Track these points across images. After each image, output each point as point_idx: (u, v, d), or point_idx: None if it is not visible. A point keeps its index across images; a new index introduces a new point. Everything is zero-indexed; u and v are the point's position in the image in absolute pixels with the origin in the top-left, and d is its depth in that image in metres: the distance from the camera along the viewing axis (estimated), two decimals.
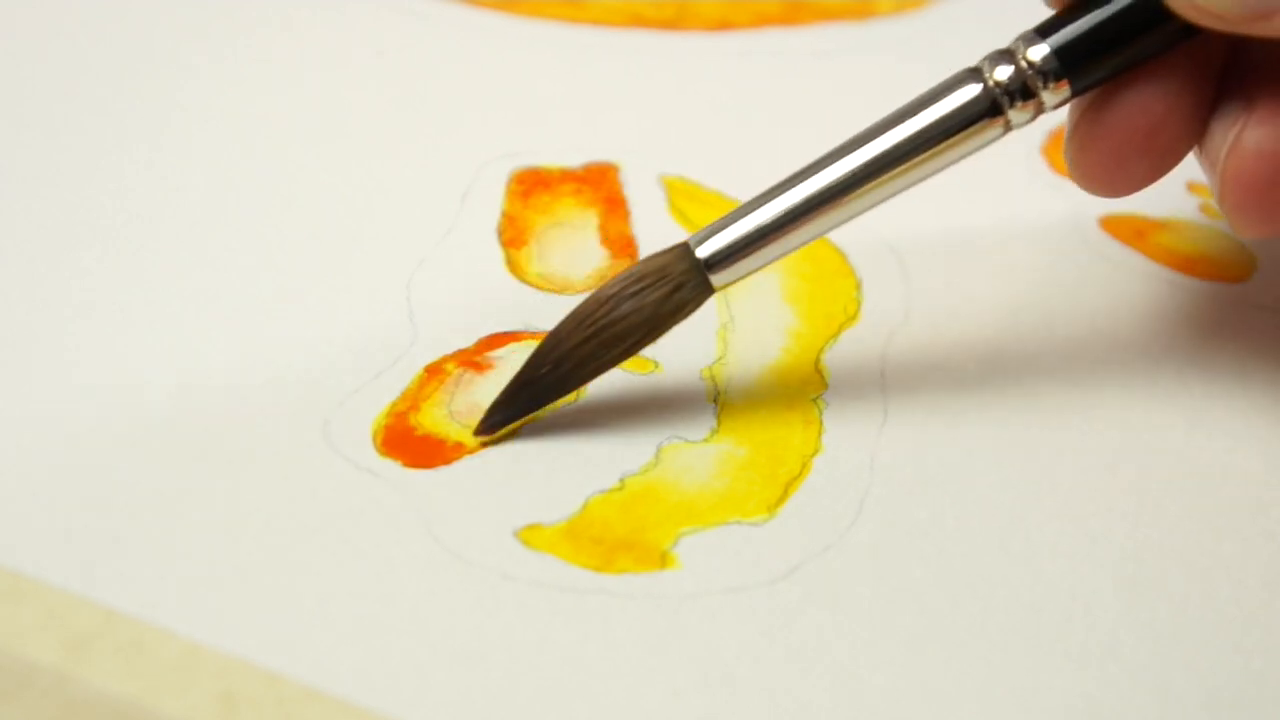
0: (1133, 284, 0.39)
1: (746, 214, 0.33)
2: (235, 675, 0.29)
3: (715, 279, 0.33)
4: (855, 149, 0.32)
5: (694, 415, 0.35)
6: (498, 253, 0.39)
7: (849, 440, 0.34)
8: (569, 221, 0.40)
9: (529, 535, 0.32)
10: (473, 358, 0.36)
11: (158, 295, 0.37)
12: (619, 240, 0.39)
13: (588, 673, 0.29)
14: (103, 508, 0.31)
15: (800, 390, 0.36)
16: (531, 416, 0.34)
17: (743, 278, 0.33)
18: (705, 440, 0.34)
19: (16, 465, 0.32)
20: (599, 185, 0.41)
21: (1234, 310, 0.39)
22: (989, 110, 0.32)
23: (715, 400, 0.35)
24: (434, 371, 0.35)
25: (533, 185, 0.41)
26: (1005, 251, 0.40)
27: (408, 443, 0.33)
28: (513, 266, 0.39)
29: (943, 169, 0.33)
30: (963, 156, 0.33)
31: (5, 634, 0.29)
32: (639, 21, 0.48)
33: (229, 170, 0.41)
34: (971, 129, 0.32)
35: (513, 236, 0.39)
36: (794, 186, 0.33)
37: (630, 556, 0.31)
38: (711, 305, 0.38)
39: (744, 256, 0.33)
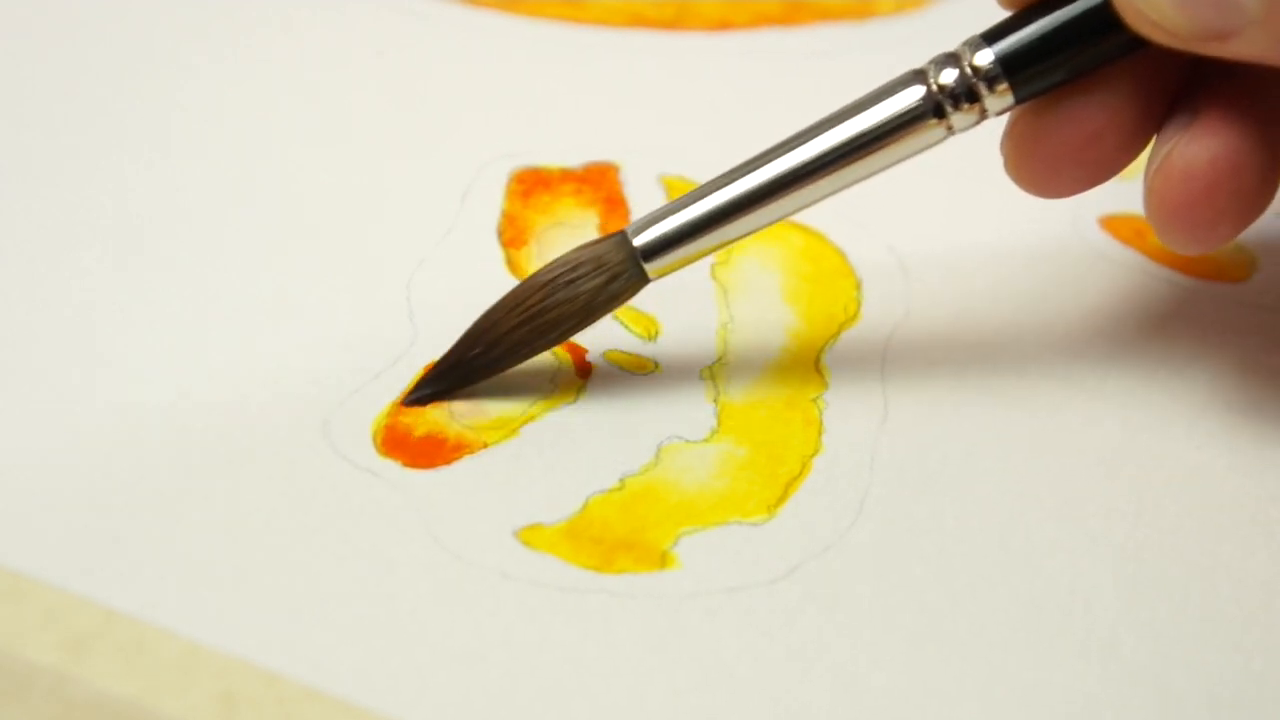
0: (1133, 284, 0.39)
1: (684, 206, 0.33)
2: (235, 675, 0.29)
3: (650, 268, 0.33)
4: (795, 146, 0.33)
5: (694, 415, 0.35)
6: (498, 253, 0.39)
7: (849, 440, 0.34)
8: (569, 221, 0.40)
9: (529, 535, 0.32)
10: None
11: (158, 295, 0.37)
12: None
13: (588, 673, 0.29)
14: (103, 508, 0.31)
15: (800, 390, 0.36)
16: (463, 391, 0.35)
17: (679, 268, 0.34)
18: (705, 440, 0.34)
19: (16, 465, 0.32)
20: (599, 185, 0.41)
21: (1234, 310, 0.39)
22: (931, 112, 0.32)
23: (715, 400, 0.35)
24: None
25: (533, 185, 0.41)
26: (1005, 251, 0.40)
27: (408, 442, 0.33)
28: (513, 266, 0.39)
29: (883, 169, 0.33)
30: (904, 157, 0.33)
31: (5, 634, 0.29)
32: (639, 21, 0.48)
33: (229, 170, 0.41)
34: (912, 130, 0.32)
35: (513, 236, 0.39)
36: (733, 181, 0.33)
37: (630, 556, 0.31)
38: (712, 305, 0.38)
39: (679, 247, 0.33)
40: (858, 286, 0.39)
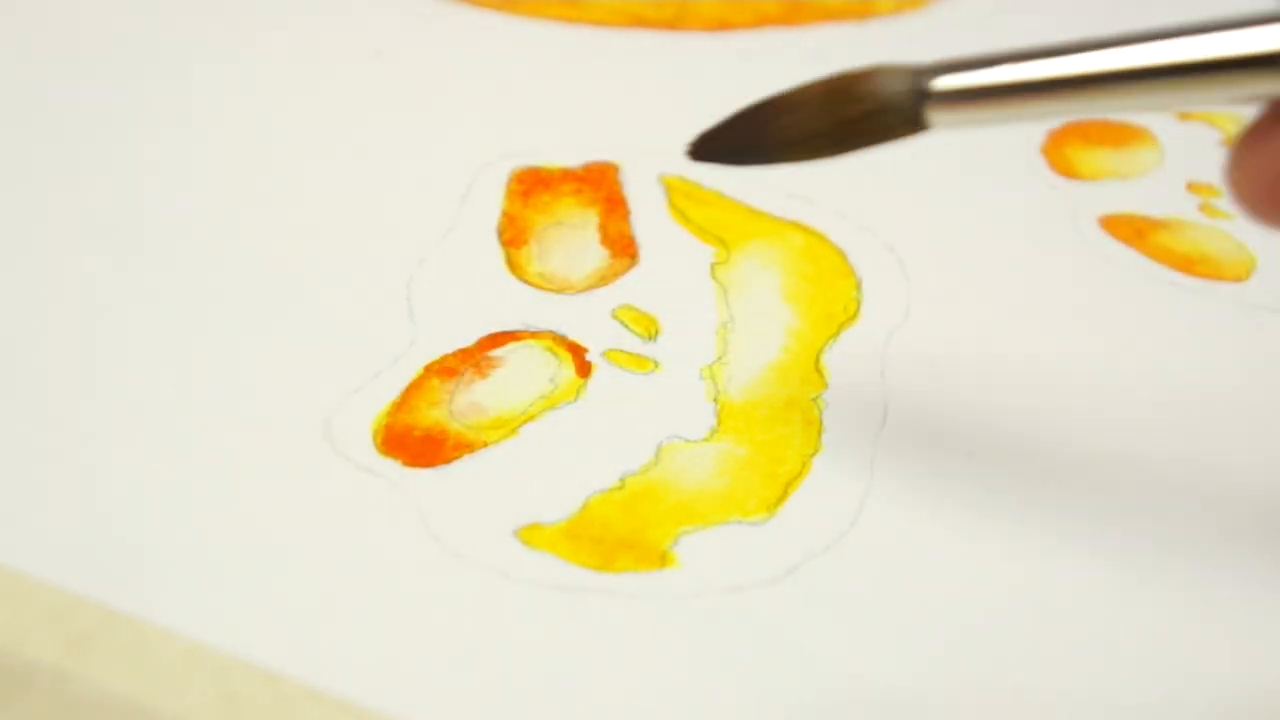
0: (1133, 284, 0.39)
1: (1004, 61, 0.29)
2: (235, 675, 0.29)
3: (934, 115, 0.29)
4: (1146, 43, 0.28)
5: (694, 415, 0.35)
6: (498, 252, 0.39)
7: (849, 440, 0.34)
8: (569, 221, 0.40)
9: (529, 535, 0.32)
10: (474, 357, 0.36)
11: (158, 295, 0.37)
12: (619, 240, 0.39)
13: (588, 673, 0.29)
14: (103, 508, 0.31)
15: (800, 390, 0.36)
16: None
17: (966, 123, 0.29)
18: (705, 440, 0.34)
19: (17, 465, 0.32)
20: (599, 185, 0.41)
21: (1234, 310, 0.39)
22: None
23: (715, 400, 0.35)
24: (434, 370, 0.35)
25: (533, 185, 0.41)
26: (1005, 251, 0.40)
27: (408, 442, 0.33)
28: (513, 266, 0.39)
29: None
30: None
31: (5, 634, 0.29)
32: (639, 21, 0.48)
33: (229, 170, 0.41)
34: None
35: (513, 236, 0.39)
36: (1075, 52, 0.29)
37: (630, 556, 0.31)
38: (712, 305, 0.38)
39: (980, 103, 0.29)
40: (858, 286, 0.39)
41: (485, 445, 0.34)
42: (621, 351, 0.36)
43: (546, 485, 0.33)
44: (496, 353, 0.36)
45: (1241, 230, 0.36)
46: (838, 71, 0.30)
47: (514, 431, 0.34)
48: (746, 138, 0.32)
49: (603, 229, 0.40)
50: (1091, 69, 0.28)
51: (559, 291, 0.38)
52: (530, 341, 0.36)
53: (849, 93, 0.30)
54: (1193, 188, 0.42)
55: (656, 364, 0.36)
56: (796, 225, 0.40)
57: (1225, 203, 0.41)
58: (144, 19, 0.47)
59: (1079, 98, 0.28)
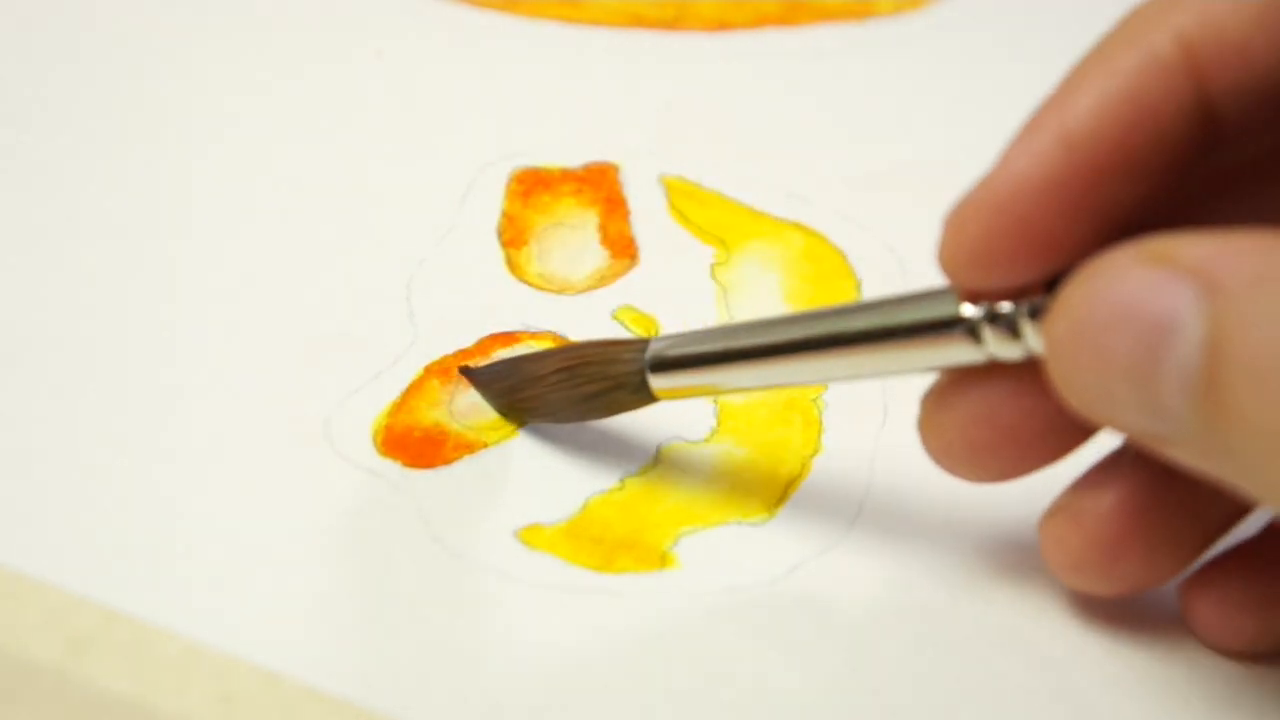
0: None
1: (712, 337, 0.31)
2: (235, 675, 0.29)
3: (656, 385, 0.31)
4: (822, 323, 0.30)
5: (694, 415, 0.35)
6: (498, 253, 0.39)
7: (849, 440, 0.34)
8: (569, 221, 0.40)
9: (529, 535, 0.32)
10: (474, 358, 0.36)
11: (158, 294, 0.37)
12: (619, 240, 0.39)
13: (588, 673, 0.29)
14: (103, 508, 0.31)
15: (800, 390, 0.36)
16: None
17: (684, 395, 0.32)
18: (705, 440, 0.34)
19: (17, 465, 0.32)
20: (599, 185, 0.41)
21: None
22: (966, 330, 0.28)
23: (715, 401, 0.35)
24: (435, 371, 0.35)
25: (533, 185, 0.41)
26: None
27: (408, 442, 0.33)
28: (513, 266, 0.39)
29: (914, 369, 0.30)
30: (938, 365, 0.29)
31: (6, 634, 0.29)
32: (639, 21, 0.48)
33: (228, 170, 0.41)
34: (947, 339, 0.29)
35: (513, 236, 0.39)
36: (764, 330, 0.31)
37: (630, 556, 0.31)
38: (712, 306, 0.38)
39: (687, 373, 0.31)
40: (858, 286, 0.39)
41: (485, 446, 0.34)
42: None
43: (546, 486, 0.33)
44: (497, 354, 0.36)
45: None
46: (575, 346, 0.34)
47: (514, 432, 0.34)
48: (503, 398, 0.34)
49: (603, 229, 0.40)
50: (770, 340, 0.30)
51: (559, 292, 0.38)
52: (530, 342, 0.36)
53: (583, 372, 0.32)
54: None
55: None
56: (796, 225, 0.40)
57: None
58: (143, 19, 0.47)
59: (773, 367, 0.30)
